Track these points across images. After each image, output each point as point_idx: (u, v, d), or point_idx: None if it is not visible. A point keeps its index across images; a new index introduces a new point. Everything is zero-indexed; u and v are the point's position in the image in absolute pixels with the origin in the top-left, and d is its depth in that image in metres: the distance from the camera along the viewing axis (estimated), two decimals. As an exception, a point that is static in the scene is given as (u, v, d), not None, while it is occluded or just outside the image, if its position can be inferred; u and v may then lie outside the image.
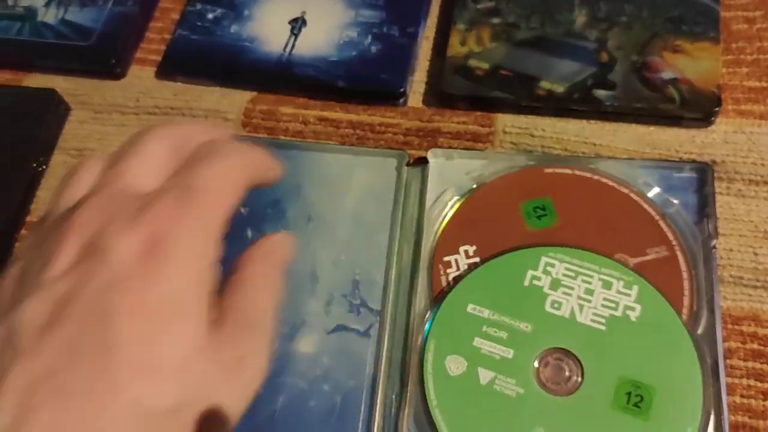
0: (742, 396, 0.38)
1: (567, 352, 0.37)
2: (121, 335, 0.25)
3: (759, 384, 0.38)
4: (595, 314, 0.37)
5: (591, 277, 0.38)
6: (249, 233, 0.42)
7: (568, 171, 0.42)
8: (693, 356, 0.36)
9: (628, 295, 0.38)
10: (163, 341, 0.26)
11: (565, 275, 0.38)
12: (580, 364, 0.37)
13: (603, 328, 0.37)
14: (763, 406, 0.37)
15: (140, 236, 0.26)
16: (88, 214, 0.27)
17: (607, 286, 0.38)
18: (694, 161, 0.42)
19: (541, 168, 0.42)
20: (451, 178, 0.42)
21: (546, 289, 0.38)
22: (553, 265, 0.39)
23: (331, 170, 0.44)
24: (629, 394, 0.36)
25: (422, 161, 0.44)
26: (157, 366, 0.25)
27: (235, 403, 0.28)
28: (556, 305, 0.38)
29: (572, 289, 0.38)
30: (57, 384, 0.24)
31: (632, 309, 0.37)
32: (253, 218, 0.42)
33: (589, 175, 0.41)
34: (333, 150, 0.45)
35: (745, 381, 0.38)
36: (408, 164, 0.44)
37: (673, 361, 0.36)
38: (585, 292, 0.38)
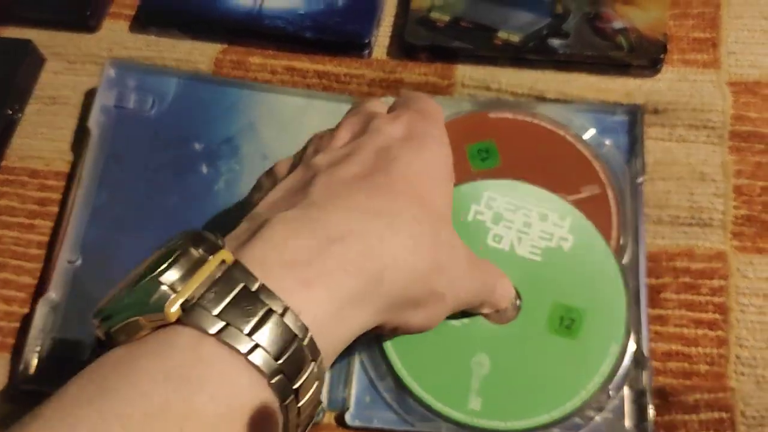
0: (675, 325, 0.39)
1: (507, 285, 0.39)
2: (398, 180, 0.33)
3: (690, 314, 0.40)
4: (532, 246, 0.40)
5: (530, 210, 0.41)
6: (204, 168, 0.43)
7: (510, 116, 0.44)
8: (619, 282, 0.39)
9: (562, 227, 0.40)
10: (435, 195, 0.34)
11: (506, 209, 0.41)
12: (518, 295, 0.39)
13: (539, 259, 0.39)
14: (695, 333, 0.39)
15: (402, 126, 0.35)
16: (352, 119, 0.37)
17: (544, 218, 0.40)
18: (625, 105, 0.44)
19: (486, 113, 0.44)
20: (402, 123, 0.45)
21: (489, 224, 0.40)
22: (495, 200, 0.41)
23: (284, 112, 0.45)
24: (562, 318, 0.38)
25: (376, 108, 0.46)
26: (431, 208, 0.33)
27: (460, 294, 0.35)
28: (497, 239, 0.40)
29: (512, 222, 0.41)
30: (355, 183, 0.32)
31: (566, 240, 0.40)
32: (207, 154, 0.43)
33: (529, 119, 0.44)
34: (285, 92, 0.46)
35: (677, 312, 0.40)
36: (360, 110, 0.46)
37: (601, 286, 0.39)
38: (524, 225, 0.40)
